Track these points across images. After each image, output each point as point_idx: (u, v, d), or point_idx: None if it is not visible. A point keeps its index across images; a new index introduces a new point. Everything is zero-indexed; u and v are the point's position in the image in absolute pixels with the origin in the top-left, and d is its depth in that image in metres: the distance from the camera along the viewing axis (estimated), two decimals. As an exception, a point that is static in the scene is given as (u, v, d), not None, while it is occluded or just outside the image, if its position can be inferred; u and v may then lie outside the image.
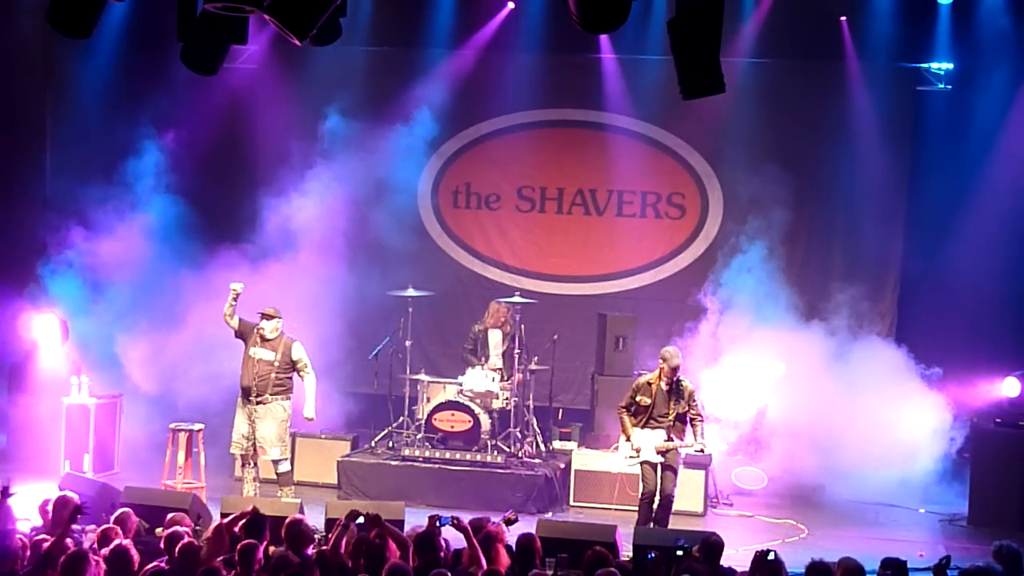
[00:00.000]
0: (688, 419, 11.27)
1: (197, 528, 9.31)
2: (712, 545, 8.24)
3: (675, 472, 11.34)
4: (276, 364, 11.65)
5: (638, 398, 11.32)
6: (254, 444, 11.73)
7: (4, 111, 14.94)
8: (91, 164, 14.68)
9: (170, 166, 14.76)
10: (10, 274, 14.65)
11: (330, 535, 8.28)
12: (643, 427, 11.32)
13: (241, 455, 11.82)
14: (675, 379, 11.22)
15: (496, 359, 13.67)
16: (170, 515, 8.54)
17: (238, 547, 7.37)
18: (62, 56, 15.02)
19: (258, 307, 11.84)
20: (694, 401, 11.32)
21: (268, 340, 11.68)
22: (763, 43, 14.52)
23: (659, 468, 11.30)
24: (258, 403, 11.65)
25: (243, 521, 8.09)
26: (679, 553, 8.00)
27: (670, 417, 11.25)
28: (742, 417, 13.57)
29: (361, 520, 8.17)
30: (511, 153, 15.70)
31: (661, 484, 11.31)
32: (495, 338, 13.75)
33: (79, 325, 14.19)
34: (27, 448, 13.69)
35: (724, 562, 8.39)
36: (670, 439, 11.22)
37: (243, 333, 11.80)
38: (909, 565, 7.85)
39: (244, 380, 11.70)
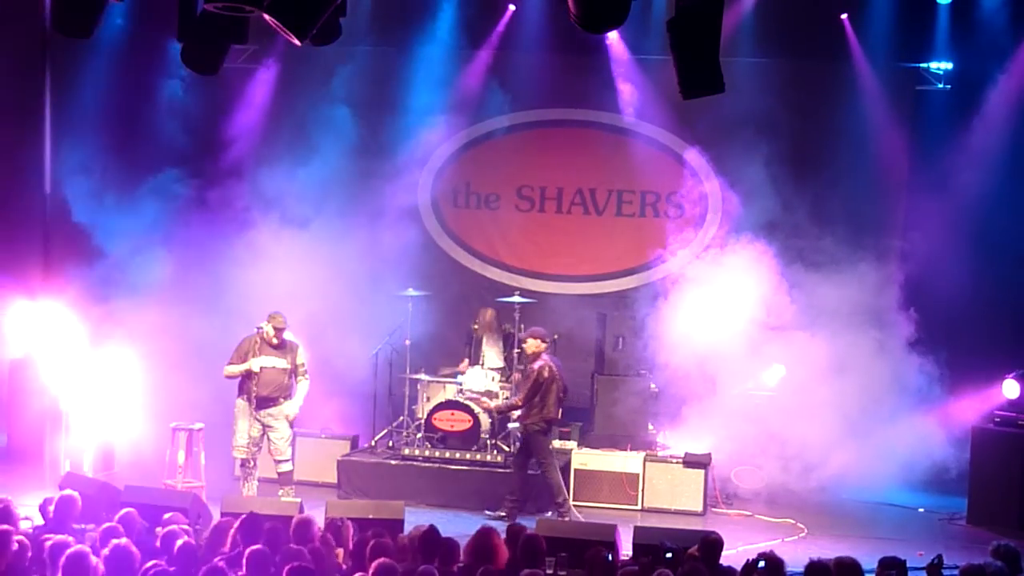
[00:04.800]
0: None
1: (197, 527, 9.33)
2: (711, 544, 8.26)
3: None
4: (288, 369, 11.75)
5: None
6: (260, 447, 11.81)
7: (4, 107, 14.94)
8: (91, 160, 14.67)
9: (169, 164, 14.77)
10: (10, 272, 14.66)
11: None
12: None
13: (243, 459, 11.86)
14: (531, 361, 12.35)
15: (494, 359, 13.70)
16: (166, 515, 8.55)
17: (247, 552, 7.36)
18: (63, 54, 15.01)
19: (255, 304, 11.87)
20: (523, 382, 12.38)
21: (276, 346, 11.73)
22: (763, 43, 14.51)
23: None
24: (272, 407, 11.72)
25: (239, 523, 8.08)
26: (668, 556, 8.04)
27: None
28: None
29: None
30: (511, 153, 15.71)
31: None
32: (490, 344, 13.77)
33: (78, 325, 14.19)
34: (27, 448, 13.71)
35: (724, 561, 8.40)
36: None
37: (245, 355, 11.82)
38: (908, 565, 7.85)
39: (262, 390, 11.72)
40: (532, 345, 12.36)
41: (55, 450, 13.28)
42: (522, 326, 13.45)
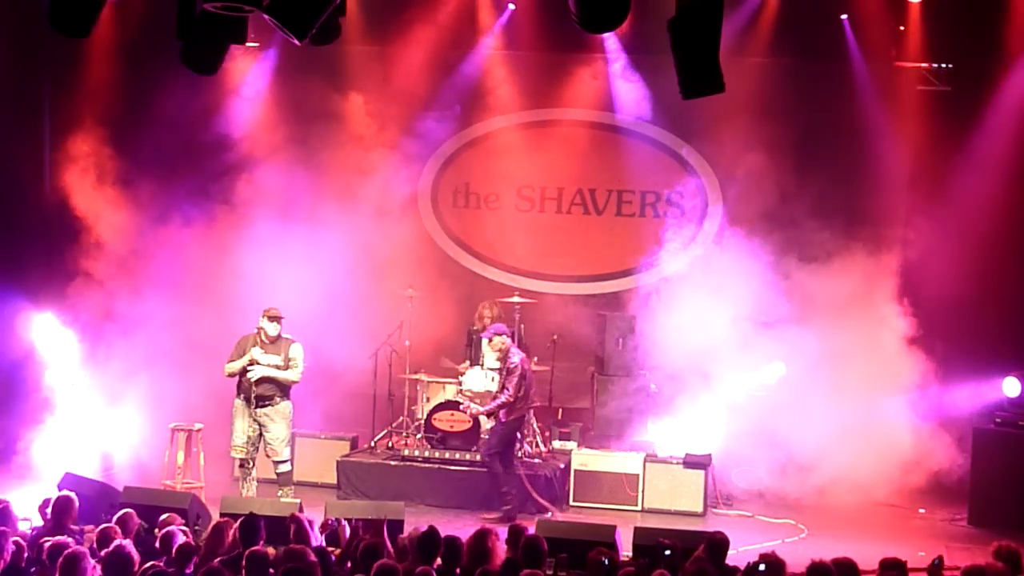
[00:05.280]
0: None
1: (196, 528, 9.32)
2: (718, 543, 8.26)
3: (490, 437, 12.61)
4: (282, 367, 11.69)
5: None
6: (257, 447, 11.76)
7: (3, 108, 14.91)
8: (91, 156, 14.65)
9: (169, 163, 14.74)
10: (9, 273, 14.65)
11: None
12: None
13: (241, 459, 11.83)
14: (502, 357, 12.47)
15: (494, 359, 13.66)
16: (162, 516, 8.54)
17: (247, 553, 7.34)
18: (62, 54, 15.00)
19: (255, 304, 11.85)
20: (508, 375, 12.35)
21: (271, 343, 11.69)
22: (763, 43, 14.49)
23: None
24: (268, 406, 11.68)
25: (238, 524, 8.06)
26: (667, 553, 8.05)
27: (497, 388, 12.69)
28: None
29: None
30: (511, 153, 15.68)
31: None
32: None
33: (78, 324, 14.19)
34: (26, 448, 13.69)
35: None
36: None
37: (243, 352, 11.79)
38: (909, 566, 7.83)
39: (257, 389, 11.67)
40: (500, 342, 12.41)
41: (54, 450, 13.28)
42: (522, 326, 13.44)
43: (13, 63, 14.82)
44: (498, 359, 12.64)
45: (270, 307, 11.80)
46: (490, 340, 12.52)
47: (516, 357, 12.35)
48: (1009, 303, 14.29)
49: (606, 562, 7.47)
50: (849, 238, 14.26)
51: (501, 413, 12.39)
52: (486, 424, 13.03)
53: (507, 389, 12.31)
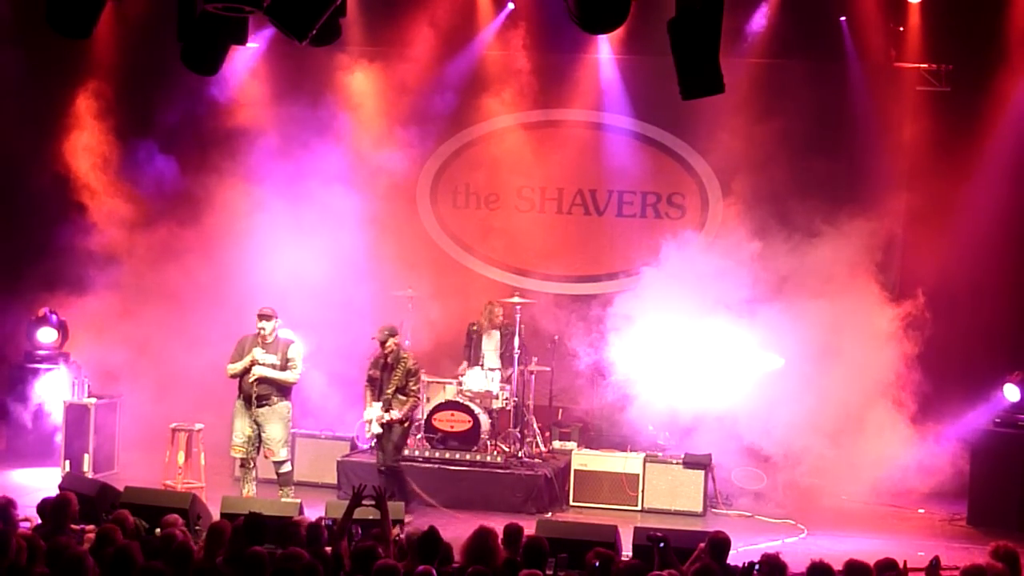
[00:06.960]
0: (405, 392, 11.98)
1: (196, 528, 9.33)
2: (719, 543, 8.28)
3: (392, 442, 11.97)
4: (279, 367, 11.67)
5: (370, 371, 12.15)
6: (257, 447, 11.74)
7: (5, 93, 14.92)
8: (92, 159, 14.67)
9: (169, 161, 14.77)
10: (9, 273, 14.66)
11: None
12: (376, 400, 12.08)
13: (241, 458, 11.82)
14: (387, 354, 11.94)
15: (493, 359, 13.68)
16: (164, 518, 8.54)
17: (247, 553, 7.34)
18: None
19: (255, 304, 11.87)
20: (410, 376, 11.95)
21: (268, 343, 11.67)
22: (763, 43, 14.51)
23: (380, 439, 12.04)
24: (265, 406, 11.66)
25: (238, 524, 8.06)
26: (661, 546, 8.10)
27: (388, 391, 11.94)
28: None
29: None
30: (511, 153, 15.68)
31: (382, 453, 12.03)
32: (491, 339, 13.76)
33: (79, 324, 14.20)
34: (27, 448, 13.72)
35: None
36: (386, 411, 11.92)
37: (243, 352, 11.78)
38: (908, 565, 7.84)
39: (255, 389, 11.66)
40: (393, 343, 12.08)
41: (56, 450, 13.31)
42: (523, 327, 13.44)
43: (19, 48, 14.84)
44: (389, 360, 12.05)
45: (262, 307, 11.78)
46: (383, 342, 12.03)
47: (412, 360, 12.10)
48: (1007, 303, 14.31)
49: (597, 564, 7.49)
50: (849, 238, 14.25)
51: (411, 414, 12.23)
52: (486, 425, 13.03)
53: (411, 389, 12.04)
